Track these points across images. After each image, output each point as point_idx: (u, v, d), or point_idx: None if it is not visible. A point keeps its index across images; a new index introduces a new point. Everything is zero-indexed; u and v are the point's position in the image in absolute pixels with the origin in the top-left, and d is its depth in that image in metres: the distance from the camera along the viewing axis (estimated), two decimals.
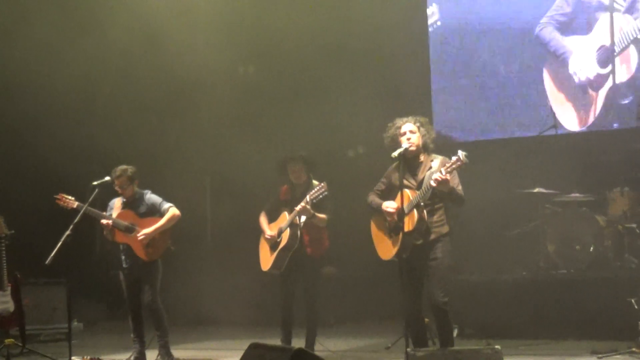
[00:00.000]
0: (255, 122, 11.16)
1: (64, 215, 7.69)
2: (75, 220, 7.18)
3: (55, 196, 7.74)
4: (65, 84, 10.61)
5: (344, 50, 10.97)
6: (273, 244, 7.64)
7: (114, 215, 7.70)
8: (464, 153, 5.92)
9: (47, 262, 6.95)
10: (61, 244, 7.01)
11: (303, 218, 7.49)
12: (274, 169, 7.90)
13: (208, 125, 11.28)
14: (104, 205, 7.81)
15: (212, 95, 11.24)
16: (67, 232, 7.06)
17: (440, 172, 6.02)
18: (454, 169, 6.00)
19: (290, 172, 7.70)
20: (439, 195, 6.24)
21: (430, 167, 6.28)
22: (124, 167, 7.70)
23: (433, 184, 6.03)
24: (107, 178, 7.56)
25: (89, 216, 7.55)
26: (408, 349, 6.02)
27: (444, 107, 10.63)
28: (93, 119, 11.28)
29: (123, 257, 7.73)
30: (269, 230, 7.71)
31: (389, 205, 6.36)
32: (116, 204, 7.81)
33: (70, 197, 7.69)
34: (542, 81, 10.16)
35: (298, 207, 7.36)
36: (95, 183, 7.49)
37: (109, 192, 7.77)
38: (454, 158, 5.97)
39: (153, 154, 10.85)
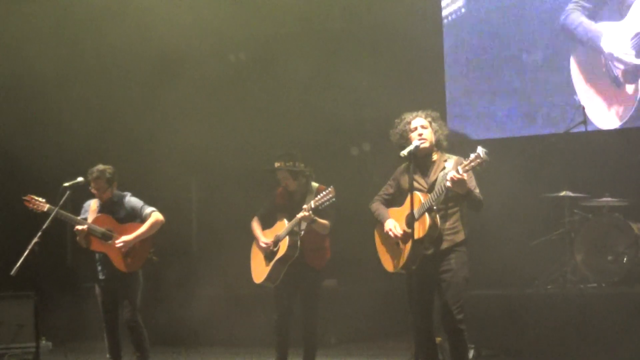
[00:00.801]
0: (248, 116, 11.16)
1: (32, 220, 7.69)
2: (44, 226, 7.16)
3: (24, 197, 7.74)
4: (34, 76, 10.64)
5: (347, 37, 11.00)
6: (268, 253, 7.63)
7: (89, 219, 7.68)
8: (484, 150, 5.88)
9: (12, 272, 6.94)
10: (28, 253, 6.99)
11: (304, 225, 7.48)
12: (264, 171, 7.92)
13: (195, 120, 11.27)
14: (77, 209, 7.80)
15: (200, 85, 11.25)
16: (35, 240, 7.04)
17: (457, 170, 6.00)
18: (472, 167, 5.95)
19: (279, 180, 7.72)
20: (454, 199, 6.23)
21: (444, 168, 6.27)
22: (101, 167, 7.67)
23: (448, 184, 6.01)
24: (80, 179, 7.54)
25: (61, 221, 7.55)
26: None
27: (459, 101, 10.63)
28: (65, 114, 11.29)
29: (99, 268, 7.71)
30: (264, 237, 7.70)
31: (392, 229, 6.34)
32: (92, 206, 7.79)
33: (40, 199, 7.68)
34: (569, 72, 10.16)
35: (300, 215, 7.35)
36: (66, 184, 7.48)
37: (82, 193, 7.76)
38: (472, 155, 5.93)
39: (133, 152, 10.87)
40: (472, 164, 5.94)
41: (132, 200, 7.73)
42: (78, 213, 7.76)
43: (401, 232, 6.28)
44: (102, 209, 7.74)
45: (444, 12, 10.71)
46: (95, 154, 9.84)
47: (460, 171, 5.97)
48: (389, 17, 10.65)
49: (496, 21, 10.47)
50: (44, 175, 9.93)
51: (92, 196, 7.80)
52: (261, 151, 9.91)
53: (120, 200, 7.73)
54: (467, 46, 10.63)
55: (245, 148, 10.77)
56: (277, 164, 7.67)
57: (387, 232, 6.36)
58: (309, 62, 11.03)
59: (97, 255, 7.70)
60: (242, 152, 10.74)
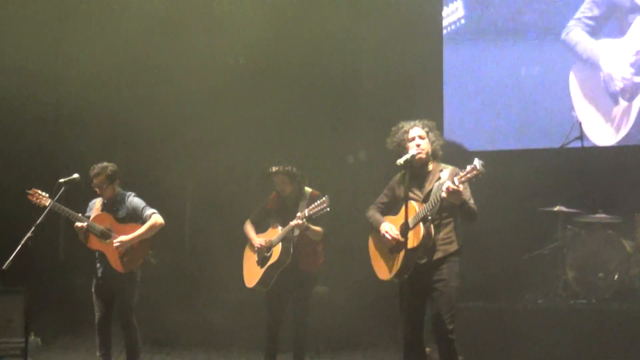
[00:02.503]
0: (243, 122, 11.16)
1: (25, 215, 7.69)
2: (38, 221, 7.16)
3: (28, 191, 7.77)
4: (33, 81, 10.67)
5: (346, 48, 11.00)
6: (261, 258, 7.65)
7: (92, 217, 7.71)
8: (480, 162, 5.91)
9: (4, 267, 6.94)
10: (21, 248, 6.99)
11: (296, 231, 7.50)
12: (261, 175, 7.93)
13: (190, 125, 11.27)
14: (75, 207, 7.80)
15: (197, 91, 11.25)
16: (28, 234, 7.04)
17: (453, 181, 6.02)
18: (468, 178, 5.97)
19: (276, 184, 7.75)
20: (448, 209, 6.25)
21: (439, 178, 6.29)
22: (103, 164, 7.71)
23: (444, 194, 6.03)
24: (76, 175, 7.55)
25: (54, 217, 7.55)
26: None
27: (457, 112, 10.64)
28: (62, 116, 11.31)
29: (97, 265, 7.73)
30: (258, 238, 7.71)
31: (388, 231, 6.37)
32: (96, 204, 7.84)
33: (44, 194, 7.70)
34: (567, 86, 10.19)
35: (294, 222, 7.38)
36: (61, 180, 7.50)
37: (91, 192, 7.78)
38: (469, 167, 5.95)
39: (127, 154, 10.85)
40: (469, 175, 5.95)
41: (134, 200, 7.74)
42: (76, 210, 7.76)
43: (397, 233, 6.30)
44: (105, 207, 7.77)
45: (444, 23, 10.72)
46: (92, 154, 9.89)
47: (456, 182, 5.99)
48: (388, 28, 10.66)
49: (495, 34, 10.49)
50: (38, 172, 9.94)
51: (98, 195, 7.81)
52: (257, 156, 9.91)
53: (122, 200, 7.75)
54: (466, 58, 10.64)
55: (241, 153, 10.76)
56: (274, 168, 7.69)
57: (384, 235, 6.37)
58: (305, 68, 11.04)
59: (96, 253, 7.71)
60: (237, 157, 10.74)
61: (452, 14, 10.71)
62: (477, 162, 5.92)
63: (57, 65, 10.98)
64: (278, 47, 11.04)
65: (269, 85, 11.14)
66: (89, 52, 10.96)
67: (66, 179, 7.50)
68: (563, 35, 10.19)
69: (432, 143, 6.43)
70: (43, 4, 10.82)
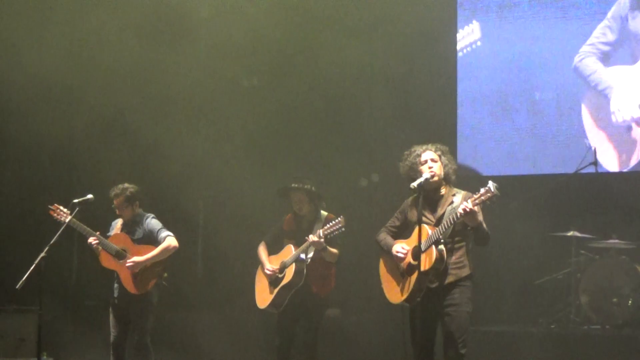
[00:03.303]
0: (257, 141, 11.19)
1: (38, 235, 7.73)
2: (52, 241, 7.20)
3: (50, 206, 7.82)
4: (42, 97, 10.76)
5: (361, 69, 11.03)
6: (273, 279, 7.65)
7: (110, 236, 7.78)
8: (495, 185, 5.92)
9: (17, 286, 6.97)
10: (34, 268, 7.03)
11: (311, 253, 7.49)
12: (275, 194, 7.93)
13: (203, 143, 11.31)
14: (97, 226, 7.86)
15: (210, 108, 11.29)
16: (42, 254, 7.08)
17: (467, 202, 6.03)
18: (482, 201, 5.98)
19: (292, 202, 7.74)
20: (461, 233, 6.25)
21: (452, 202, 6.30)
22: (124, 185, 7.78)
23: (460, 211, 6.02)
24: (90, 196, 7.62)
25: (68, 238, 7.60)
26: None
27: (470, 136, 10.62)
28: (74, 135, 11.37)
29: (115, 286, 7.77)
30: (269, 264, 7.72)
31: (400, 251, 6.37)
32: (118, 224, 7.92)
33: (65, 210, 7.75)
34: (580, 113, 10.17)
35: (310, 240, 7.34)
36: (76, 201, 7.56)
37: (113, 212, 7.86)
38: (482, 190, 5.97)
39: (139, 173, 10.89)
40: (482, 197, 5.97)
41: (152, 222, 7.78)
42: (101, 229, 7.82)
43: (408, 251, 6.28)
44: (124, 227, 7.83)
45: (459, 46, 10.73)
46: (102, 170, 9.94)
47: (470, 204, 6.00)
48: (403, 51, 10.69)
49: (510, 58, 10.48)
50: (50, 197, 9.98)
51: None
52: (269, 176, 9.92)
53: (140, 221, 7.80)
54: (480, 82, 10.64)
55: (254, 173, 10.78)
56: (294, 185, 7.69)
57: (395, 254, 6.36)
58: (318, 91, 11.08)
59: (115, 273, 7.73)
60: (250, 176, 10.75)
61: (468, 36, 10.72)
62: (491, 185, 5.94)
63: (80, 85, 11.04)
64: (290, 68, 11.08)
65: (282, 107, 11.17)
66: (107, 73, 11.03)
67: (80, 199, 7.56)
68: (576, 61, 10.17)
69: (444, 166, 6.43)
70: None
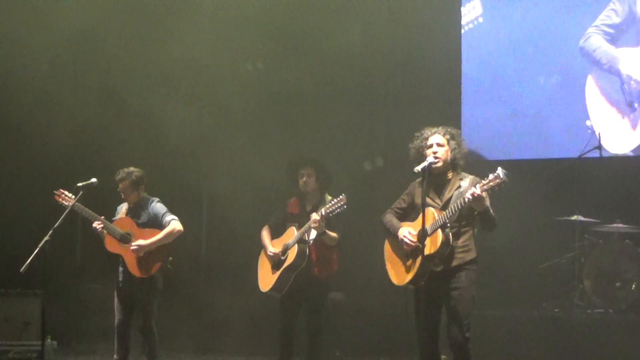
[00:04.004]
0: (261, 126, 11.18)
1: (42, 218, 7.73)
2: (56, 225, 7.20)
3: (55, 192, 7.82)
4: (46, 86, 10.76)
5: (363, 52, 11.00)
6: (276, 262, 7.65)
7: (115, 220, 7.78)
8: (504, 171, 5.91)
9: (21, 270, 6.97)
10: (38, 251, 7.02)
11: (313, 234, 7.48)
12: (280, 178, 7.92)
13: (207, 128, 11.29)
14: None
15: (214, 92, 11.27)
16: (46, 238, 7.07)
17: (475, 188, 6.01)
18: (491, 187, 5.96)
19: (299, 177, 7.71)
20: (467, 217, 6.25)
21: (459, 186, 6.29)
22: (129, 169, 7.76)
23: (469, 196, 6.01)
24: (94, 180, 7.59)
25: (73, 221, 7.59)
26: None
27: (474, 120, 10.59)
28: (79, 122, 11.35)
29: (120, 269, 7.76)
30: (272, 247, 7.72)
31: (407, 235, 6.35)
32: (123, 209, 7.90)
33: (70, 195, 7.74)
34: (584, 97, 10.13)
35: (312, 218, 7.33)
36: (79, 185, 7.54)
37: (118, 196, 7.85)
38: (491, 175, 5.95)
39: (143, 158, 10.88)
40: (491, 183, 5.96)
41: (156, 206, 7.76)
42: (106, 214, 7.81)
43: (415, 237, 6.28)
44: (129, 212, 7.81)
45: (462, 21, 10.67)
46: (106, 156, 9.92)
47: (479, 189, 5.98)
48: (407, 36, 10.66)
49: (514, 42, 10.45)
50: (55, 181, 9.98)
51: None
52: (273, 159, 9.91)
53: (145, 205, 7.78)
54: (485, 67, 10.61)
55: (257, 156, 10.77)
56: (306, 158, 7.73)
57: (402, 239, 6.35)
58: (322, 76, 11.05)
59: (120, 257, 7.74)
60: (254, 160, 10.75)
61: (470, 12, 10.66)
62: (500, 171, 5.92)
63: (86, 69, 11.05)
64: (293, 50, 11.06)
65: (285, 93, 11.15)
66: (111, 54, 11.02)
67: (84, 183, 7.54)
68: (581, 42, 10.15)
69: (452, 151, 6.40)
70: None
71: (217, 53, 11.04)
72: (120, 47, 11.05)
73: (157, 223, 7.68)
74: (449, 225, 6.19)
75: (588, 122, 10.03)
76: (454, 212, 6.13)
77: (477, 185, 6.02)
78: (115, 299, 7.78)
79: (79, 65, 11.15)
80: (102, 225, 7.64)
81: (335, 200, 7.25)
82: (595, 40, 10.08)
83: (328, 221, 7.35)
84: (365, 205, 9.74)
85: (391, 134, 10.69)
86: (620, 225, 9.14)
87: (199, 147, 11.14)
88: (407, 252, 6.36)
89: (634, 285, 8.91)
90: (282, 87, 11.14)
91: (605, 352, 8.33)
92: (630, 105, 9.92)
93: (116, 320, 7.75)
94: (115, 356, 7.75)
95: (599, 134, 9.53)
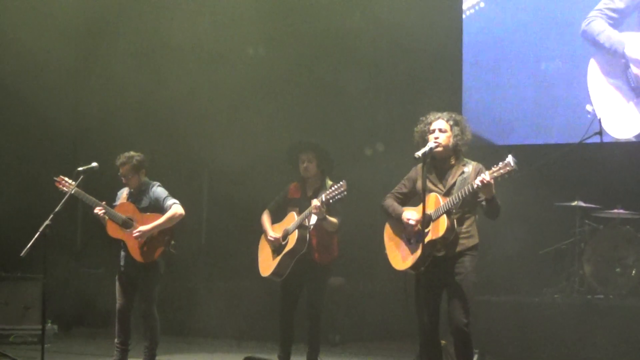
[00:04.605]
0: (261, 110, 11.17)
1: (42, 202, 7.72)
2: (57, 209, 7.19)
3: (55, 178, 7.80)
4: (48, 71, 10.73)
5: (364, 36, 10.98)
6: (277, 247, 7.64)
7: (117, 205, 7.76)
8: (514, 159, 5.86)
9: (22, 254, 6.97)
10: (39, 235, 7.02)
11: (314, 219, 7.46)
12: (281, 161, 7.90)
13: (207, 112, 11.28)
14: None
15: (214, 77, 11.25)
16: (47, 222, 7.06)
17: (485, 174, 5.97)
18: (501, 174, 5.90)
19: (300, 162, 7.70)
20: (469, 204, 6.22)
21: (463, 172, 6.26)
22: (129, 154, 7.72)
23: (478, 182, 5.97)
24: (94, 164, 7.57)
25: (74, 206, 7.59)
26: None
27: (474, 105, 10.57)
28: (80, 106, 11.36)
29: (122, 253, 7.75)
30: (272, 231, 7.71)
31: (411, 217, 6.33)
32: (124, 194, 7.88)
33: (70, 181, 7.72)
34: (586, 82, 10.10)
35: (313, 204, 7.30)
36: (80, 169, 7.52)
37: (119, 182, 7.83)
38: (501, 163, 5.90)
39: (143, 142, 10.89)
40: (501, 171, 5.90)
41: (157, 190, 7.73)
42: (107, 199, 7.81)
43: (418, 217, 6.24)
44: (130, 196, 7.80)
45: (464, 9, 10.63)
46: (108, 146, 9.92)
47: (488, 176, 5.94)
48: (407, 21, 10.63)
49: (515, 27, 10.42)
50: (55, 165, 9.98)
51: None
52: (274, 144, 9.91)
53: (146, 189, 7.75)
54: (485, 52, 10.57)
55: (258, 140, 10.78)
56: (305, 142, 7.70)
57: (407, 222, 6.32)
58: (323, 60, 11.03)
59: (121, 242, 7.73)
60: (254, 144, 10.75)
61: None
62: (510, 159, 5.87)
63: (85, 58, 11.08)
64: (294, 33, 11.05)
65: (286, 76, 11.14)
66: (113, 45, 11.02)
67: (85, 167, 7.53)
68: (584, 26, 10.10)
69: (455, 137, 6.34)
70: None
71: (219, 37, 11.03)
72: (120, 31, 11.04)
73: (158, 207, 7.66)
74: (453, 211, 6.17)
75: (589, 107, 10.01)
76: (460, 198, 6.10)
77: (487, 172, 5.98)
78: (117, 284, 7.78)
79: (80, 49, 11.14)
80: (103, 211, 7.63)
81: (335, 186, 7.23)
82: (598, 24, 10.03)
83: (328, 207, 7.33)
84: (366, 190, 9.74)
85: (392, 120, 10.67)
86: (621, 210, 9.13)
87: (200, 129, 11.14)
88: (409, 237, 6.35)
89: (634, 271, 8.91)
90: (283, 73, 11.14)
91: (606, 337, 8.33)
92: (634, 90, 9.89)
93: (117, 305, 7.75)
94: (116, 340, 7.75)
95: (600, 120, 9.50)
